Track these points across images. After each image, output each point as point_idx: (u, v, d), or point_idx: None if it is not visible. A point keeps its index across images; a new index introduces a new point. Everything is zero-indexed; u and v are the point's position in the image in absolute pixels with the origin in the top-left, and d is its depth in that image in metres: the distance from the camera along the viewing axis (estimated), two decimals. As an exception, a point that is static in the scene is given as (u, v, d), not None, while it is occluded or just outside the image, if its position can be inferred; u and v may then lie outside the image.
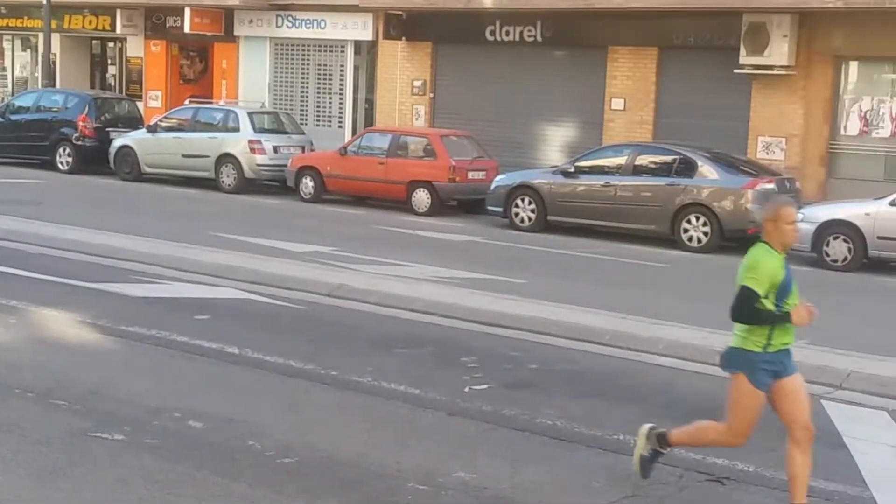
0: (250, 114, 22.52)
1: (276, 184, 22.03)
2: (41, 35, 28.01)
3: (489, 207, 18.83)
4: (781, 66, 19.94)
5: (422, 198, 19.75)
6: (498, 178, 18.99)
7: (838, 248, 15.44)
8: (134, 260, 12.56)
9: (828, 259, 15.49)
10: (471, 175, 19.84)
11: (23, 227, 14.35)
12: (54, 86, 27.85)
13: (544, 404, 7.69)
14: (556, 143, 22.94)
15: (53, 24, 27.62)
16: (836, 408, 7.99)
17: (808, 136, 20.29)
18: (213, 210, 19.02)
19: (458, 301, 10.96)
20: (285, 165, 21.55)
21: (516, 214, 18.31)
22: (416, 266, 13.33)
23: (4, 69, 31.93)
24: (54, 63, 28.54)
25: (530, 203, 18.19)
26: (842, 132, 20.22)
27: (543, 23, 22.65)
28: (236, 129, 22.13)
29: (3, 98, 30.00)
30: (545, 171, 19.15)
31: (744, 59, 20.08)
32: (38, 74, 29.44)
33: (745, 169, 17.64)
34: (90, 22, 29.32)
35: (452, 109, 24.09)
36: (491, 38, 23.36)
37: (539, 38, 22.83)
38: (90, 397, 7.32)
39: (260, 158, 21.81)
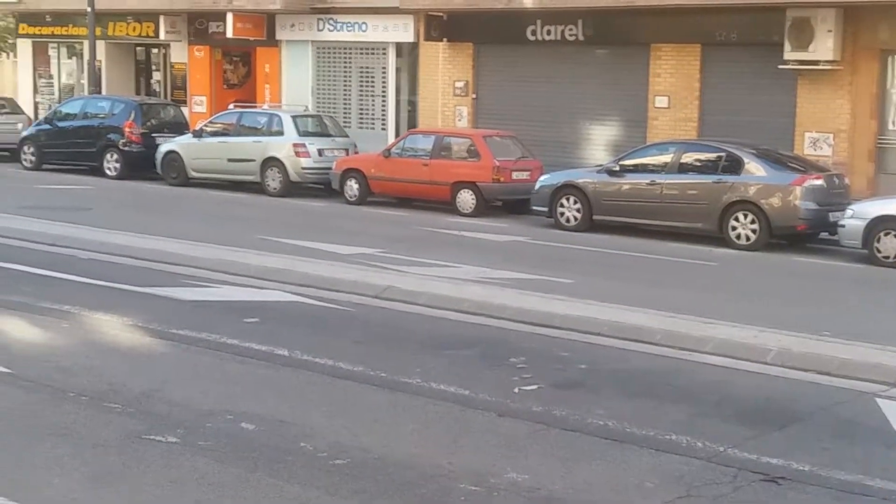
0: (294, 117, 22.63)
1: (321, 187, 22.12)
2: (86, 42, 28.31)
3: (534, 207, 18.79)
4: (827, 61, 19.75)
5: (466, 199, 19.76)
6: (542, 177, 18.94)
7: (889, 244, 15.23)
8: (183, 264, 12.65)
9: (879, 255, 15.29)
10: (515, 175, 19.81)
11: (73, 233, 14.50)
12: (100, 92, 28.15)
13: (595, 404, 7.66)
14: (599, 141, 22.86)
15: (98, 31, 27.93)
16: (891, 406, 7.88)
17: (855, 132, 20.07)
18: (259, 213, 19.13)
19: (505, 301, 10.94)
20: (330, 168, 21.64)
21: (562, 214, 18.25)
22: (463, 267, 13.32)
23: (51, 77, 32.33)
24: (100, 70, 28.85)
25: (576, 202, 18.13)
26: (890, 126, 19.99)
27: (584, 21, 22.59)
28: (280, 133, 22.25)
29: (50, 105, 30.38)
30: (590, 170, 19.07)
31: (788, 54, 19.92)
32: (84, 81, 29.77)
33: (793, 165, 17.47)
34: (134, 29, 29.63)
35: (495, 110, 24.09)
36: (532, 38, 23.33)
37: (581, 37, 22.77)
38: (143, 400, 7.39)
39: (304, 162, 21.91)
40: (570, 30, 22.81)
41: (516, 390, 7.98)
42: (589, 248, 16.15)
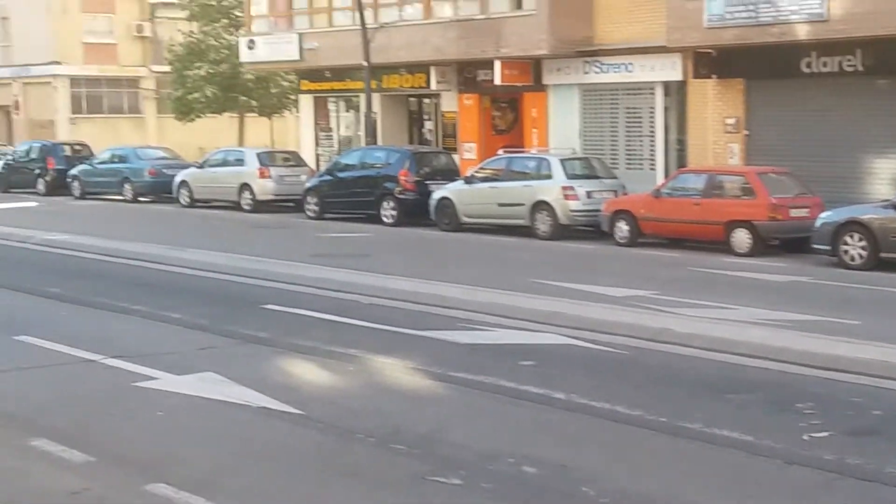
0: (562, 160, 22.76)
1: (591, 229, 22.07)
2: (362, 95, 29.59)
3: (815, 245, 18.03)
4: None
5: (741, 238, 19.21)
6: (824, 214, 18.17)
7: None
8: (459, 308, 12.87)
9: None
10: (793, 213, 19.12)
11: (355, 279, 15.07)
12: (376, 143, 29.31)
13: (894, 453, 7.23)
14: (883, 176, 21.73)
15: (373, 84, 29.12)
16: None
17: None
18: (530, 257, 19.31)
19: (787, 344, 10.53)
20: (599, 210, 21.59)
21: (845, 252, 17.42)
22: (740, 308, 12.94)
23: (330, 129, 33.96)
24: (375, 121, 30.06)
25: (860, 240, 17.27)
26: None
27: (864, 51, 21.58)
28: (549, 177, 22.41)
29: (330, 157, 31.90)
30: (875, 205, 18.16)
31: None
32: (361, 132, 31.08)
33: None
34: (406, 80, 30.69)
35: (768, 146, 23.35)
36: (807, 71, 22.51)
37: (860, 68, 21.78)
38: (426, 442, 7.56)
39: (573, 204, 21.97)
40: (849, 60, 21.86)
41: (806, 437, 7.64)
42: (876, 287, 15.34)
